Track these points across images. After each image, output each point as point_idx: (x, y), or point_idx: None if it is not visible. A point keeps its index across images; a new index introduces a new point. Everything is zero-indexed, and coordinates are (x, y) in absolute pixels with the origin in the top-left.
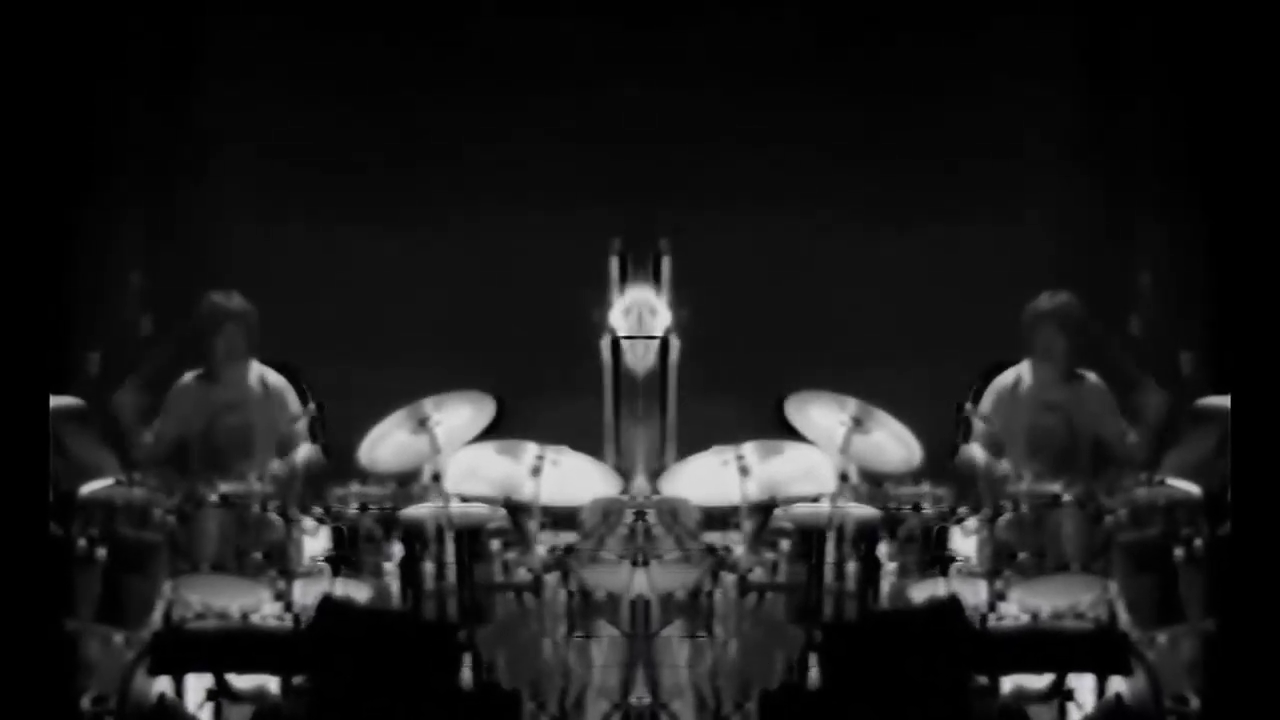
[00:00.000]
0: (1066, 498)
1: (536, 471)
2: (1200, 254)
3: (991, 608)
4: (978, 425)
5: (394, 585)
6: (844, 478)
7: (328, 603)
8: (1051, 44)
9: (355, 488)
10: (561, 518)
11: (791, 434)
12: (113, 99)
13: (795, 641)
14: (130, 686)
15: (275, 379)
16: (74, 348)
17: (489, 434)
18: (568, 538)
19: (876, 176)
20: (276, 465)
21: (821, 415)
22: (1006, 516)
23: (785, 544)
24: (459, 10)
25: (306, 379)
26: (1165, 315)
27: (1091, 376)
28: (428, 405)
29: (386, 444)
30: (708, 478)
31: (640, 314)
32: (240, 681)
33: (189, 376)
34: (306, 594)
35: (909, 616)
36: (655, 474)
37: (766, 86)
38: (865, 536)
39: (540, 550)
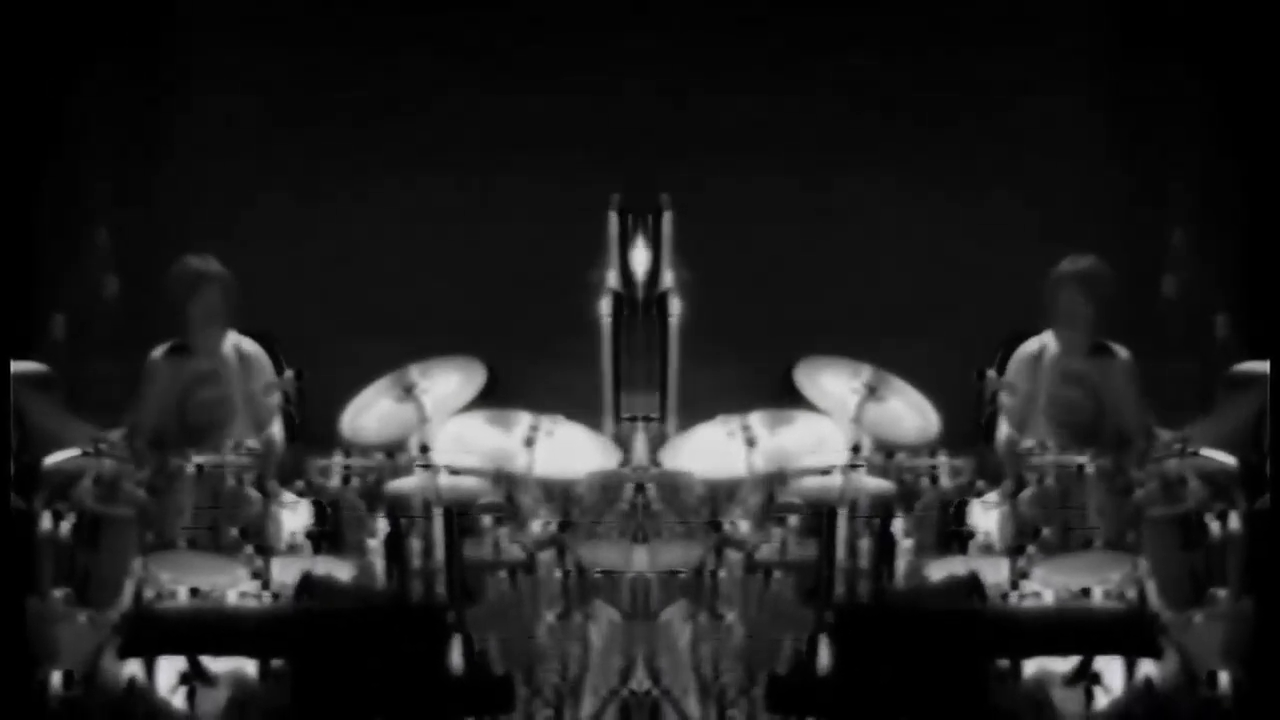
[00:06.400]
0: (1093, 470)
1: (530, 443)
2: (1237, 212)
3: (1014, 587)
4: (1002, 397)
5: (378, 563)
6: (857, 449)
7: (308, 581)
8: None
9: (338, 459)
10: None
11: (801, 403)
12: (79, 53)
13: (804, 623)
14: (99, 669)
15: (251, 347)
16: (37, 310)
17: (479, 403)
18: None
19: (895, 131)
20: (252, 439)
21: (833, 382)
22: (1030, 490)
23: (794, 520)
24: None
25: (284, 345)
26: (1200, 276)
27: (1121, 352)
28: (414, 372)
29: (370, 413)
30: (712, 449)
31: None
32: (215, 664)
33: (160, 351)
34: (285, 572)
35: (926, 596)
36: (655, 445)
37: (778, 37)
38: (879, 512)
39: (534, 526)
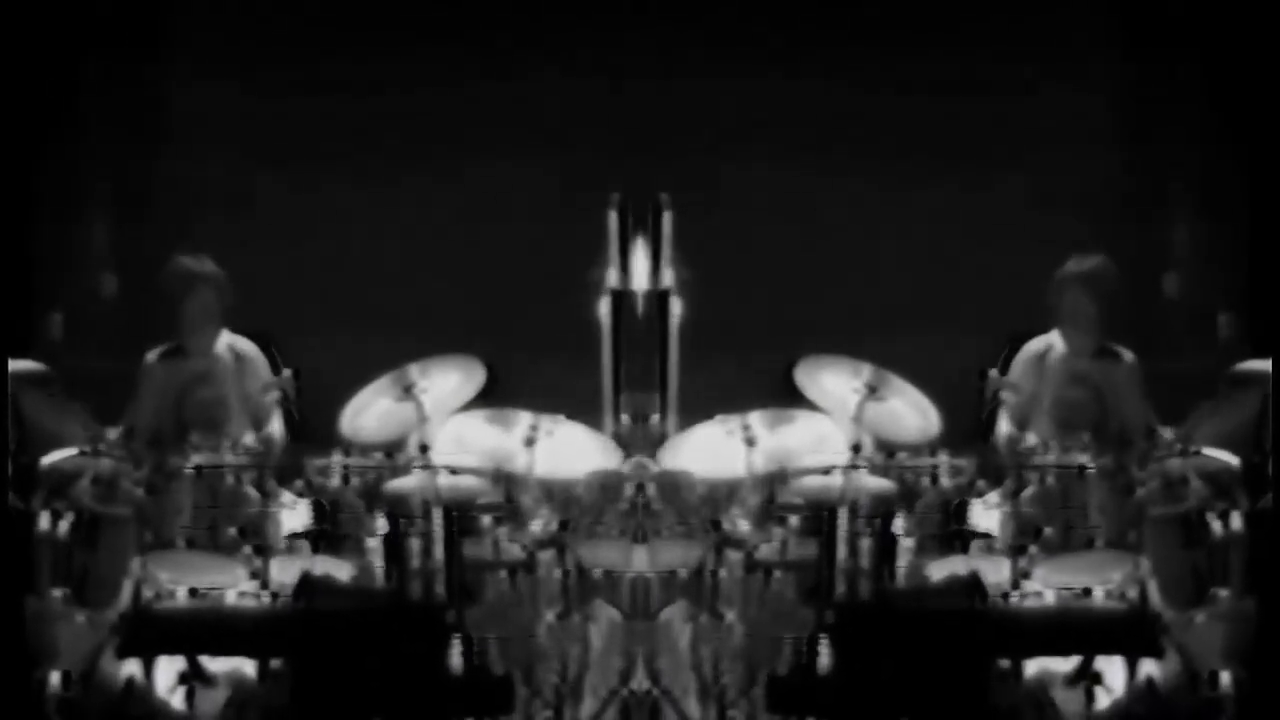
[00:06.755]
0: (1094, 469)
1: (530, 442)
2: (1239, 210)
3: (1015, 586)
4: (1004, 396)
5: (378, 563)
6: (857, 449)
7: (307, 581)
8: None
9: (337, 459)
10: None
11: (801, 402)
12: (78, 51)
13: (804, 623)
14: (97, 669)
15: (246, 346)
16: (35, 309)
17: (479, 402)
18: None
19: (897, 128)
20: (250, 437)
21: (834, 381)
22: (1031, 489)
23: (794, 519)
24: None
25: (283, 344)
26: (1202, 275)
27: (1127, 355)
28: (413, 371)
29: (370, 413)
30: (712, 449)
31: None
32: (214, 664)
33: (154, 355)
34: (284, 572)
35: (926, 596)
36: (655, 445)
37: (779, 35)
38: (880, 511)
39: (534, 526)
